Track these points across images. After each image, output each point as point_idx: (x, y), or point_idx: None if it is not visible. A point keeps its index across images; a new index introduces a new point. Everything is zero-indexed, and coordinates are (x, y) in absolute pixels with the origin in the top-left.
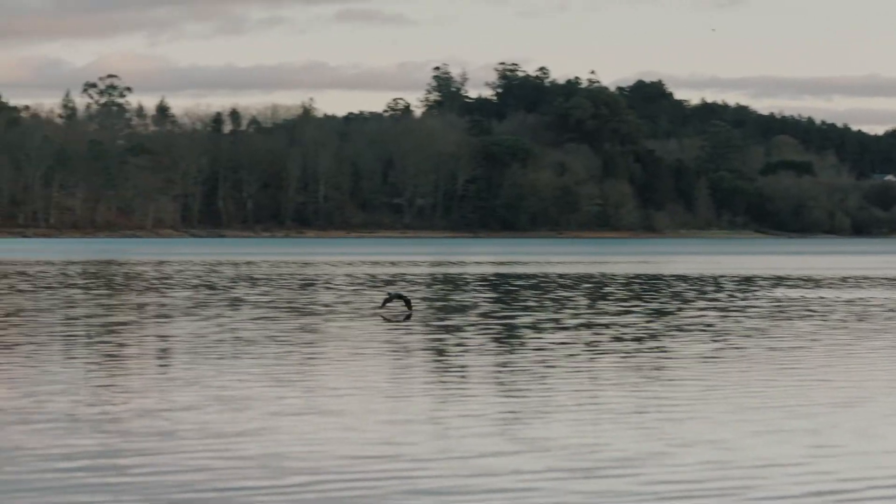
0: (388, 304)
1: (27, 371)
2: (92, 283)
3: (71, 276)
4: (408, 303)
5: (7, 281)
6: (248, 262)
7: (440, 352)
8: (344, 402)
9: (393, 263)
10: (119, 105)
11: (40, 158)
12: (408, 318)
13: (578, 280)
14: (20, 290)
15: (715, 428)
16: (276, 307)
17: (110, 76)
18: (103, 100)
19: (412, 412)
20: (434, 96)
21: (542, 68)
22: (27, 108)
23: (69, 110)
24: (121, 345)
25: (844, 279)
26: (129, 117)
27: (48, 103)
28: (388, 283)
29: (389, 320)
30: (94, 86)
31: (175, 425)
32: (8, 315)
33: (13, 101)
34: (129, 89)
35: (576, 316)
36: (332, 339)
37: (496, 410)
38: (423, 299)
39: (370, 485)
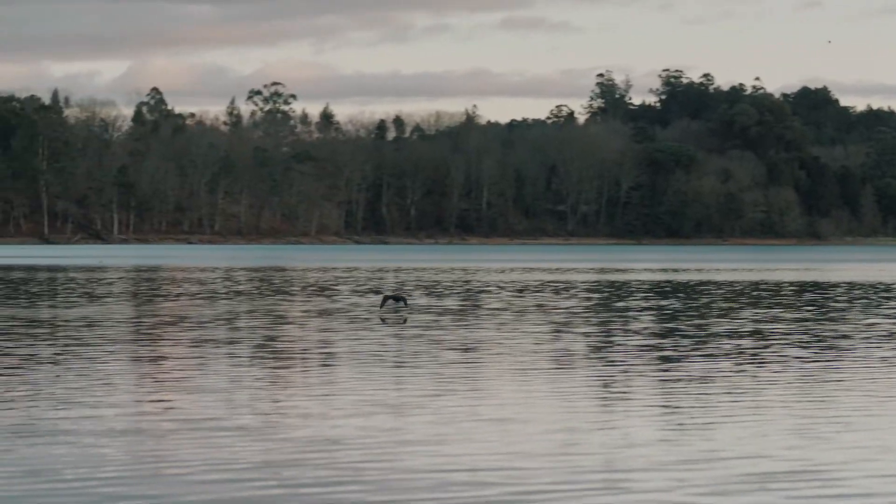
0: (386, 304)
1: (193, 378)
2: (256, 289)
3: (236, 282)
4: (405, 302)
5: (174, 287)
6: (413, 269)
7: (603, 360)
8: (507, 410)
9: (557, 270)
10: (283, 112)
11: (206, 165)
12: (403, 314)
13: (746, 287)
14: (187, 296)
15: (889, 438)
16: (441, 313)
17: (275, 84)
18: (268, 107)
19: (574, 422)
20: (598, 103)
21: (706, 75)
22: (193, 115)
23: (234, 118)
24: (284, 350)
25: None
26: (294, 124)
27: (213, 111)
28: (561, 289)
29: (543, 324)
30: (259, 93)
31: (338, 433)
32: (174, 321)
33: (179, 109)
34: (293, 97)
35: (745, 323)
36: (494, 345)
37: (660, 420)
38: (586, 307)
39: (534, 497)
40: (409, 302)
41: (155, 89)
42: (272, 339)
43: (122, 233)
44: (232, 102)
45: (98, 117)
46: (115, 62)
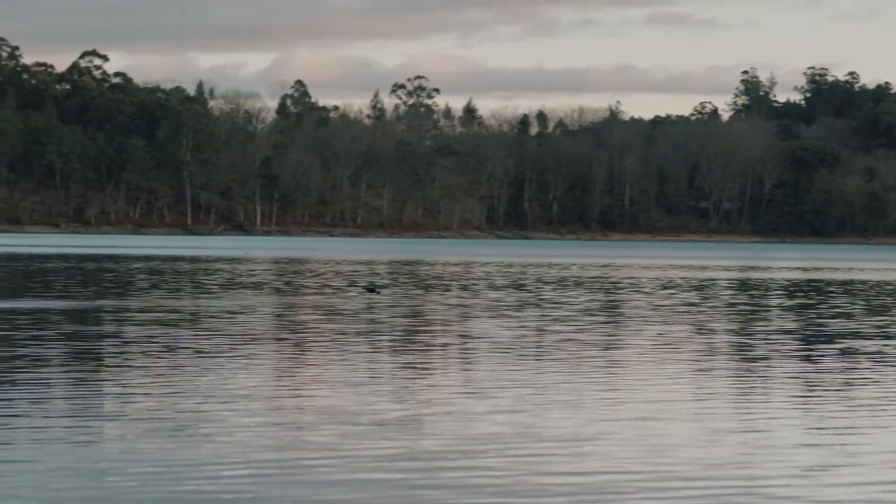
0: (367, 294)
1: (336, 371)
2: (398, 282)
3: (378, 275)
4: (377, 290)
5: (317, 279)
6: (554, 265)
7: (744, 359)
8: (646, 409)
9: (699, 267)
10: (427, 106)
11: (349, 158)
12: (371, 290)
13: (894, 288)
14: (330, 289)
15: None
16: (582, 310)
17: (419, 77)
18: (411, 100)
19: (713, 422)
20: (742, 100)
21: (851, 73)
22: (336, 108)
23: (378, 111)
24: (424, 345)
25: None
26: (437, 118)
27: (357, 104)
28: (703, 286)
29: (693, 325)
30: (402, 86)
31: (478, 430)
32: (315, 313)
33: (323, 101)
34: (437, 90)
35: (891, 324)
36: (634, 343)
37: (800, 422)
38: (728, 306)
39: (673, 496)
40: (381, 292)
41: (299, 81)
42: (412, 332)
43: (265, 225)
44: (376, 95)
45: (242, 109)
46: (261, 54)
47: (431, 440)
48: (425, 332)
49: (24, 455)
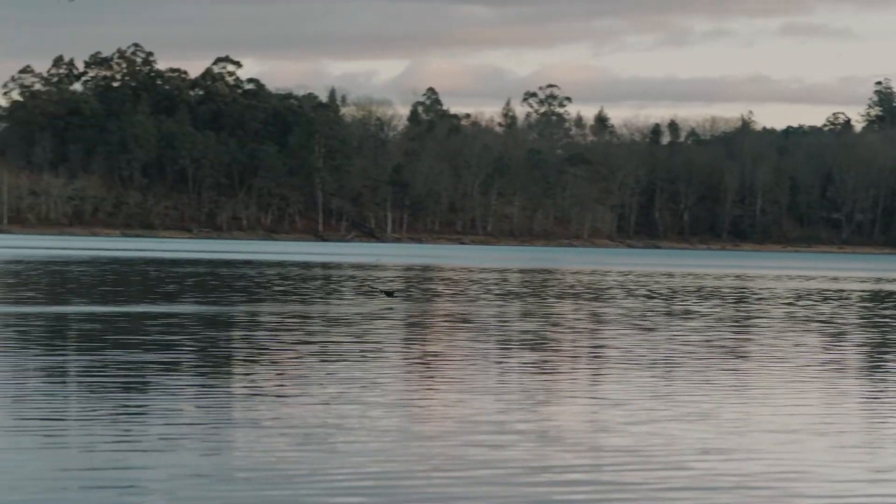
0: (386, 297)
1: (466, 380)
2: (530, 290)
3: (510, 283)
4: (392, 294)
5: (451, 287)
6: (686, 274)
7: (877, 371)
8: (779, 421)
9: (831, 279)
10: (558, 115)
11: (479, 166)
12: (390, 294)
13: None
14: (462, 297)
15: None
16: (718, 319)
17: (550, 86)
18: (543, 109)
19: (850, 436)
20: (875, 111)
21: None
22: (468, 116)
23: (509, 119)
24: (555, 353)
25: None
26: (568, 127)
27: (488, 112)
28: (836, 297)
29: (819, 334)
30: (534, 95)
31: (611, 441)
32: (448, 320)
33: (454, 109)
34: (568, 99)
35: None
36: (766, 353)
37: None
38: (861, 317)
39: None
40: (396, 295)
41: (431, 89)
42: (544, 340)
43: (396, 231)
44: (507, 104)
45: (374, 116)
46: (393, 62)
47: (562, 451)
48: (557, 340)
49: (154, 461)
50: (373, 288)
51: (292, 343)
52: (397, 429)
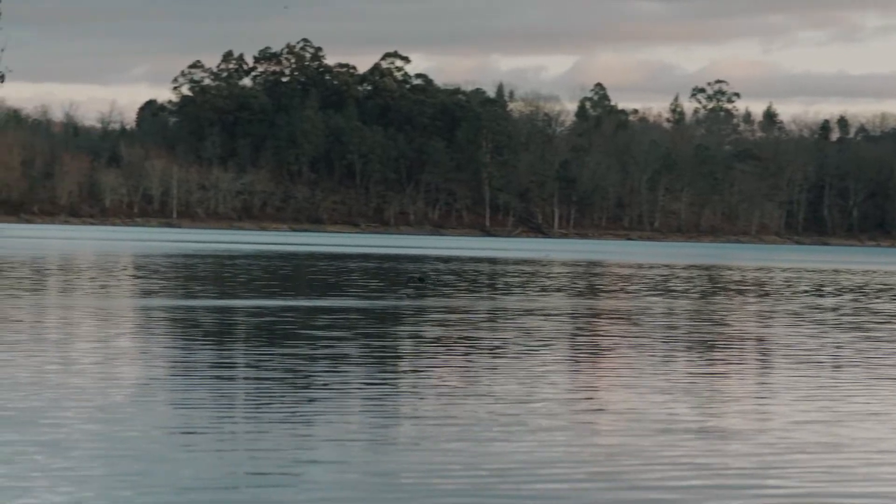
0: (412, 285)
1: (632, 375)
2: (698, 286)
3: (680, 279)
4: (423, 280)
5: (617, 283)
6: (855, 271)
7: None
8: None
9: None
10: (726, 110)
11: (647, 162)
12: (421, 280)
13: None
14: (628, 293)
15: None
16: (888, 319)
17: (719, 81)
18: (711, 105)
19: None
20: None
21: None
22: (636, 111)
23: (677, 115)
24: (728, 350)
25: None
26: (737, 123)
27: (656, 107)
28: None
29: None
30: (702, 91)
31: (784, 437)
32: (616, 316)
33: (622, 105)
34: (737, 95)
35: None
36: None
37: None
38: None
39: None
40: (427, 281)
41: (599, 85)
42: (710, 338)
43: (562, 227)
44: (675, 99)
45: (542, 112)
46: (562, 57)
47: (729, 449)
48: (723, 337)
49: (322, 455)
50: (412, 278)
51: (459, 337)
52: (565, 424)
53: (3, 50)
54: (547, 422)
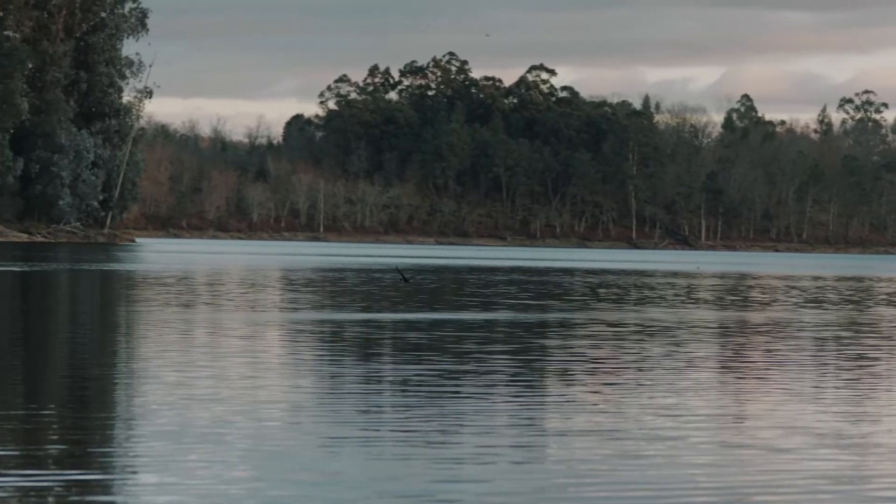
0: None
1: (778, 387)
2: (848, 298)
3: (826, 290)
4: (407, 280)
5: (767, 294)
6: None
7: None
8: None
9: None
10: (874, 121)
11: (794, 173)
12: (406, 280)
13: None
14: (778, 304)
15: None
16: None
17: (867, 92)
18: (859, 115)
19: None
20: None
21: None
22: (783, 122)
23: (825, 126)
24: (875, 362)
25: None
26: (885, 133)
27: (804, 118)
28: None
29: None
30: (850, 101)
31: None
32: (763, 329)
33: (769, 116)
34: (885, 105)
35: None
36: None
37: None
38: None
39: None
40: (410, 281)
41: (746, 96)
42: (862, 349)
43: (709, 239)
44: (823, 110)
45: (688, 123)
46: (709, 68)
47: (881, 462)
48: (875, 349)
49: (469, 474)
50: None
51: (608, 350)
52: (722, 440)
53: (151, 65)
54: (699, 437)
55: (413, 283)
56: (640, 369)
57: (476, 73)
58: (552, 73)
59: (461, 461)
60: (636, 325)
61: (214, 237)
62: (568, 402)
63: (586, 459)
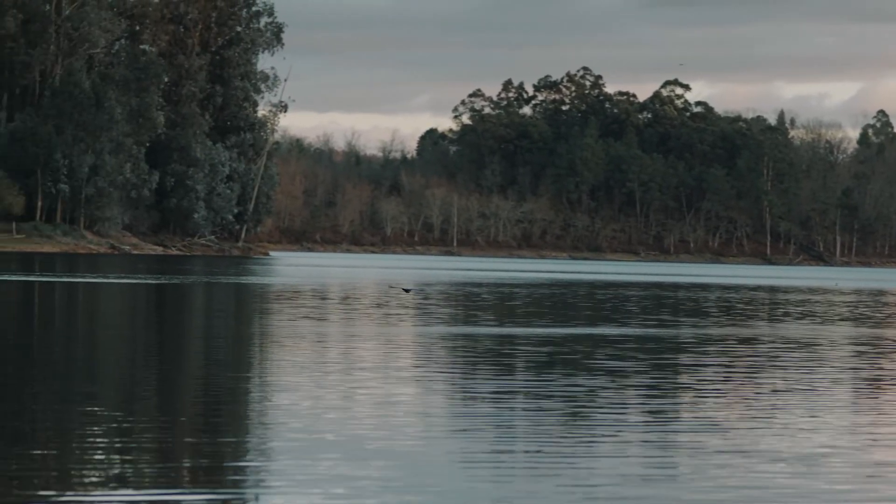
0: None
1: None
2: None
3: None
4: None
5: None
6: None
7: None
8: None
9: None
10: None
11: None
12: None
13: None
14: None
15: None
16: None
17: None
18: None
19: None
20: None
21: None
22: None
23: None
24: None
25: None
26: None
27: None
28: None
29: None
30: None
31: None
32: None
33: None
34: None
35: None
36: None
37: None
38: None
39: None
40: (409, 291)
41: (881, 111)
42: None
43: (844, 255)
44: None
45: (824, 139)
46: (846, 84)
47: None
48: None
49: (600, 493)
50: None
51: (742, 366)
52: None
53: (286, 80)
54: (835, 461)
55: (414, 294)
56: (776, 386)
57: (610, 88)
58: (686, 87)
59: (592, 482)
60: (772, 340)
61: (348, 251)
62: (699, 418)
63: (719, 479)
